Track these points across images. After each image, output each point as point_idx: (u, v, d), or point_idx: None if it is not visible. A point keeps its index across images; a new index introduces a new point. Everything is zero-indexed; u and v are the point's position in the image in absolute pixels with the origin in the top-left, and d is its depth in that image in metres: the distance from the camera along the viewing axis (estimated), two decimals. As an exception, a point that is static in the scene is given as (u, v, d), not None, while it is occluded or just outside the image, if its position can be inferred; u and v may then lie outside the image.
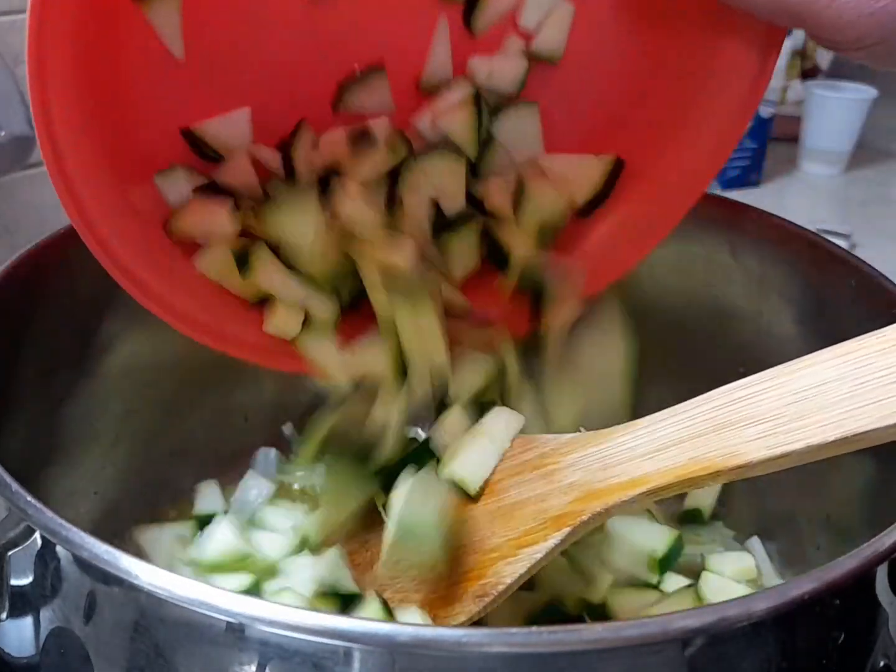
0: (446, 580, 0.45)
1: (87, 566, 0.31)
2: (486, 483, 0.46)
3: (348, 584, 0.45)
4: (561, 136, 0.50)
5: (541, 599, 0.51)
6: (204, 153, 0.44)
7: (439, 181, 0.48)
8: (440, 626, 0.43)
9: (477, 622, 0.45)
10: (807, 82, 1.40)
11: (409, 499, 0.43)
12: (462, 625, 0.44)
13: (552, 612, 0.50)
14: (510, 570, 0.43)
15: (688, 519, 0.61)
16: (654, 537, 0.56)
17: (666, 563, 0.55)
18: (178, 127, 0.44)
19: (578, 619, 0.50)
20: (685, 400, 0.63)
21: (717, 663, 0.30)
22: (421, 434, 0.60)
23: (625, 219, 0.51)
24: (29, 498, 0.32)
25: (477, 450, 0.46)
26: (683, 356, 0.63)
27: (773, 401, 0.36)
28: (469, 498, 0.46)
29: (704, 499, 0.61)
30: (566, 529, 0.42)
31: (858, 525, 0.48)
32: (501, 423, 0.47)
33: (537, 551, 0.43)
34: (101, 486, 0.54)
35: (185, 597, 0.28)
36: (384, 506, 0.46)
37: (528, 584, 0.53)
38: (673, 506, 0.62)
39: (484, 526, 0.46)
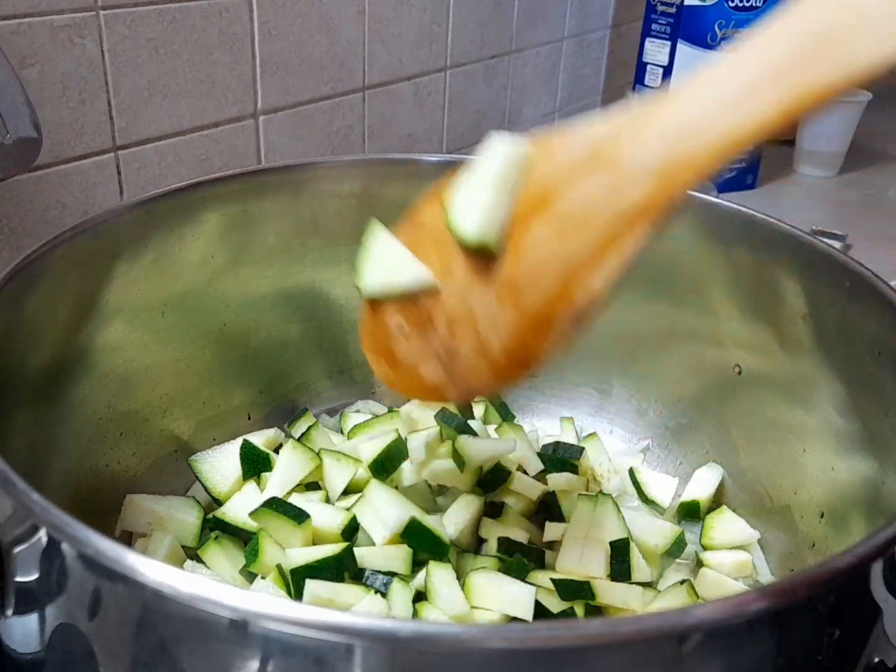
0: (533, 303, 0.39)
1: (91, 563, 0.31)
2: (510, 225, 0.39)
3: None
4: None
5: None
6: None
7: None
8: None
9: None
10: (803, 85, 1.41)
11: None
12: (555, 348, 0.39)
13: (538, 612, 0.50)
14: (599, 283, 0.37)
15: (685, 514, 0.61)
16: (657, 533, 0.57)
17: (668, 558, 0.56)
18: None
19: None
20: (682, 397, 0.64)
21: (713, 659, 0.31)
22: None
23: None
24: (34, 496, 0.32)
25: (472, 197, 0.40)
26: (680, 355, 0.64)
27: None
28: (492, 256, 0.40)
29: (702, 492, 0.61)
30: (654, 217, 0.35)
31: (853, 522, 0.48)
32: (498, 158, 0.40)
33: (623, 253, 0.36)
34: (105, 484, 0.54)
35: (189, 593, 0.28)
36: None
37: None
38: (671, 501, 0.63)
39: (555, 242, 0.38)
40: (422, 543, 0.53)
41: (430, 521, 0.53)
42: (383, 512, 0.54)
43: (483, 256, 0.40)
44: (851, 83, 0.31)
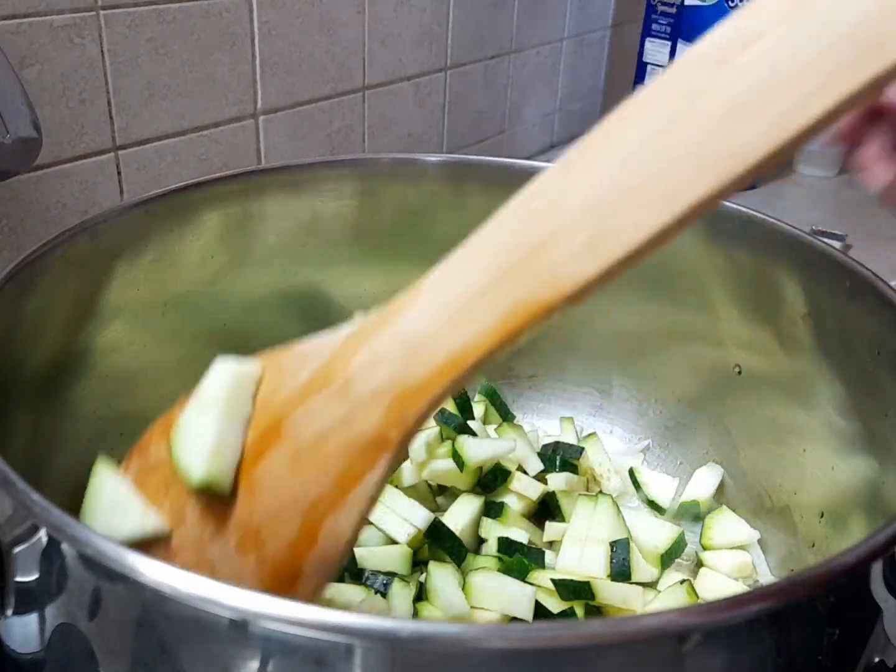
0: (274, 550, 0.35)
1: (91, 563, 0.31)
2: (239, 463, 0.35)
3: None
4: None
5: None
6: None
7: None
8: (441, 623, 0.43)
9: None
10: (803, 85, 1.41)
11: None
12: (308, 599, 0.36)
13: (538, 613, 0.50)
14: (344, 524, 0.34)
15: (685, 514, 0.61)
16: (658, 533, 0.57)
17: (668, 559, 0.56)
18: None
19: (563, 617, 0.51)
20: (682, 397, 0.64)
21: (713, 659, 0.31)
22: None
23: None
24: (34, 496, 0.32)
25: (195, 428, 0.36)
26: (680, 355, 0.64)
27: (586, 192, 0.28)
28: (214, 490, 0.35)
29: (702, 493, 0.61)
30: (390, 452, 0.33)
31: (853, 522, 0.48)
32: (222, 382, 0.37)
33: (366, 490, 0.33)
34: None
35: (189, 593, 0.28)
36: None
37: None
38: (671, 501, 0.63)
39: (291, 478, 0.35)
40: (444, 543, 0.54)
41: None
42: (409, 513, 0.55)
43: (215, 497, 0.35)
44: (567, 299, 0.28)
